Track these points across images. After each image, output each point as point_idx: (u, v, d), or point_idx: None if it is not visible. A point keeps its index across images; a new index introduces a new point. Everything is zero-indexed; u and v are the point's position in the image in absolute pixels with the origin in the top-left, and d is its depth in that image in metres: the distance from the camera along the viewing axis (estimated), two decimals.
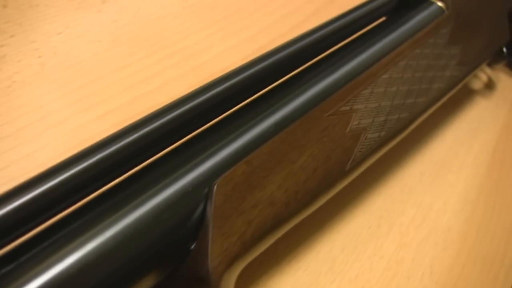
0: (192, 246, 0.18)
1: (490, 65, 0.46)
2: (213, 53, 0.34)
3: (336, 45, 0.31)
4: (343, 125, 0.27)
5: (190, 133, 0.22)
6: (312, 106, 0.26)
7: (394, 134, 0.30)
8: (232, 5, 0.38)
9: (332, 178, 0.25)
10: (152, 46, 0.32)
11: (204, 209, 0.18)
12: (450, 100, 0.36)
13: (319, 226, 0.30)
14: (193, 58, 0.33)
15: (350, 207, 0.31)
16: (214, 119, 0.24)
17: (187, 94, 0.22)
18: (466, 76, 0.38)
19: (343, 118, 0.27)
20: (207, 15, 0.37)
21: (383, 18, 0.36)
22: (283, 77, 0.28)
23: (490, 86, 0.49)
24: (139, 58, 0.31)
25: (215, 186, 0.20)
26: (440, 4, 0.38)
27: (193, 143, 0.22)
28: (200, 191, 0.19)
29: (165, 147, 0.20)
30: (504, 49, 0.48)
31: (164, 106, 0.21)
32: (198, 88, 0.22)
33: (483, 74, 0.48)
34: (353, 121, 0.27)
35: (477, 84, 0.48)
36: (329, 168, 0.25)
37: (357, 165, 0.27)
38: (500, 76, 0.50)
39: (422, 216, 0.33)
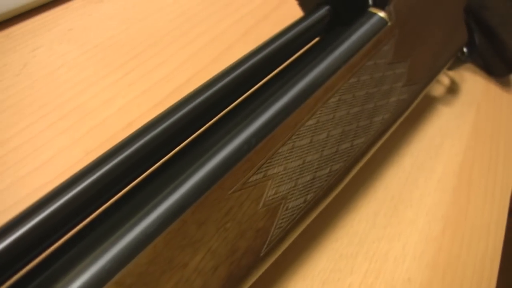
0: None
1: (451, 68, 0.41)
2: (118, 105, 0.29)
3: (251, 89, 0.26)
4: (254, 200, 0.21)
5: None
6: (209, 185, 0.20)
7: (326, 192, 0.24)
8: (143, 40, 0.33)
9: (242, 272, 0.20)
10: (39, 109, 0.27)
11: None
12: (406, 115, 0.31)
13: None
14: (91, 116, 0.27)
15: (287, 275, 0.26)
16: None
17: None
18: (418, 95, 0.33)
19: (254, 191, 0.22)
20: (112, 57, 0.31)
21: (316, 39, 0.31)
22: (186, 138, 0.23)
23: (453, 89, 0.44)
24: (21, 128, 0.26)
25: None
26: (381, 14, 0.33)
27: None
28: None
29: None
30: (465, 49, 0.42)
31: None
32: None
33: (445, 77, 0.43)
34: (268, 192, 0.22)
35: (438, 90, 0.43)
36: (236, 262, 0.20)
37: (276, 246, 0.22)
38: (464, 75, 0.45)
39: (376, 271, 0.28)
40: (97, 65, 0.30)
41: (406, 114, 0.31)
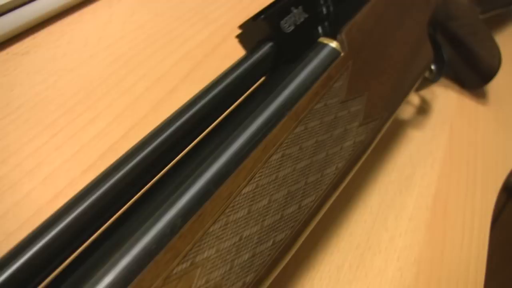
0: None
1: (419, 89, 0.38)
2: (43, 174, 0.25)
3: (185, 150, 0.24)
4: None
5: None
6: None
7: (270, 268, 0.21)
8: (74, 94, 0.30)
9: None
10: None
11: None
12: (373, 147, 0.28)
13: None
14: (11, 192, 0.24)
15: None
16: None
17: None
18: (378, 132, 0.30)
19: (180, 285, 0.19)
20: (38, 117, 0.28)
21: (262, 79, 0.28)
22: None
23: (424, 109, 0.41)
24: None
25: None
26: (333, 44, 0.30)
27: None
28: None
29: None
30: (433, 67, 0.39)
31: None
32: None
33: (414, 96, 0.40)
34: (198, 282, 0.19)
35: (407, 112, 0.40)
36: None
37: None
38: (435, 91, 0.42)
39: None
40: (19, 129, 0.27)
41: (364, 157, 0.28)
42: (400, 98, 0.33)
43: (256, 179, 0.23)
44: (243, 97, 0.28)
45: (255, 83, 0.29)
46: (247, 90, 0.29)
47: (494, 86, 0.47)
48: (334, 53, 0.30)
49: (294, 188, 0.24)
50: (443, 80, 0.46)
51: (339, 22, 0.33)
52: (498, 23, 0.59)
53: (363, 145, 0.29)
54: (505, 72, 0.49)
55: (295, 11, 0.31)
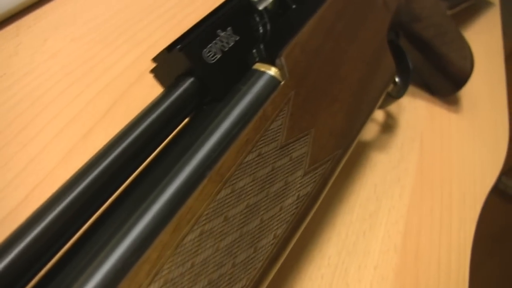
0: None
1: (382, 106, 0.33)
2: None
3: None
4: None
5: None
6: None
7: None
8: None
9: None
10: None
11: None
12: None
13: None
14: None
15: None
16: None
17: None
18: (330, 177, 0.24)
19: None
20: None
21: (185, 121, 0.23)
22: None
23: (390, 126, 0.36)
24: None
25: None
26: (271, 71, 0.24)
27: None
28: None
29: None
30: (397, 79, 0.34)
31: None
32: None
33: (377, 112, 0.35)
34: None
35: (370, 132, 0.35)
36: None
37: None
38: (402, 102, 0.37)
39: None
40: None
41: (312, 212, 0.23)
42: (357, 128, 0.28)
43: (164, 273, 0.17)
44: (154, 153, 0.22)
45: (174, 129, 0.24)
46: (164, 140, 0.23)
47: (466, 90, 0.42)
48: (272, 83, 0.25)
49: (216, 274, 0.19)
50: (410, 88, 0.41)
51: (278, 42, 0.27)
52: (466, 17, 0.54)
53: (309, 198, 0.24)
54: (478, 72, 0.44)
55: (222, 34, 0.25)
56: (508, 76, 0.54)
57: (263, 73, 0.25)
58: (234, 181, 0.21)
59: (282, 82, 0.25)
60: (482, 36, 0.55)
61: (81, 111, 0.29)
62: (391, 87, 0.37)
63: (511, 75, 0.73)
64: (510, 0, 0.82)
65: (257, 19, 0.28)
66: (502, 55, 0.54)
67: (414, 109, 0.40)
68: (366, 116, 0.29)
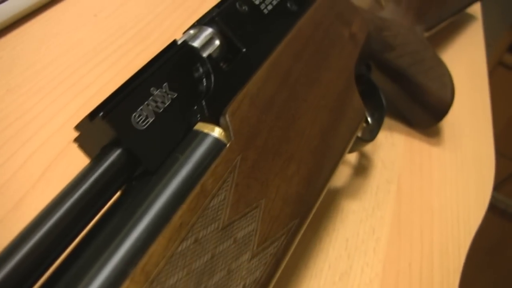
0: None
1: (353, 150, 0.29)
2: None
3: None
4: None
5: None
6: None
7: None
8: None
9: None
10: None
11: None
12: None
13: None
14: None
15: None
16: None
17: None
18: (285, 253, 0.21)
19: None
20: None
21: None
22: None
23: (362, 167, 0.32)
24: None
25: None
26: (214, 133, 0.21)
27: None
28: None
29: None
30: (369, 119, 0.31)
31: None
32: None
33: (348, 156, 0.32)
34: None
35: (340, 176, 0.31)
36: None
37: None
38: (378, 140, 0.33)
39: None
40: None
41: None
42: (318, 189, 0.25)
43: None
44: (72, 245, 0.19)
45: (98, 211, 0.20)
46: (87, 225, 0.20)
47: (448, 116, 0.39)
48: (215, 147, 0.22)
49: None
50: (387, 121, 0.38)
51: (223, 97, 0.24)
52: (446, 34, 0.51)
53: (259, 285, 0.20)
54: (460, 95, 0.41)
55: (156, 92, 0.22)
56: (492, 90, 0.51)
57: (205, 135, 0.22)
58: (163, 279, 0.18)
59: (227, 146, 0.22)
60: (464, 55, 0.52)
61: (12, 176, 0.26)
62: (362, 127, 0.33)
63: (496, 90, 0.71)
64: (492, 10, 0.79)
65: (200, 69, 0.24)
66: (486, 74, 0.51)
67: (391, 146, 0.37)
68: (329, 173, 0.26)
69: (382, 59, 0.36)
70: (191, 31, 0.26)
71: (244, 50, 0.26)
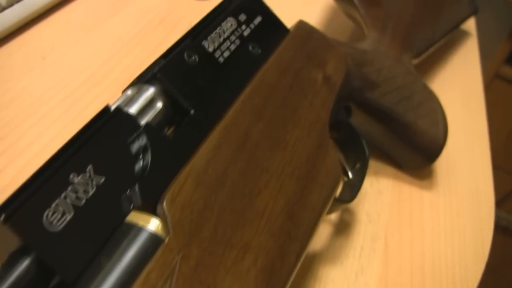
0: None
1: (331, 211, 0.25)
2: None
3: None
4: None
5: None
6: None
7: None
8: None
9: None
10: None
11: None
12: None
13: None
14: None
15: None
16: None
17: None
18: None
19: None
20: None
21: None
22: None
23: (345, 224, 0.28)
24: None
25: None
26: (150, 225, 0.17)
27: None
28: None
29: None
30: (349, 173, 0.27)
31: None
32: None
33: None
34: None
35: (321, 237, 0.27)
36: None
37: None
38: (363, 188, 0.29)
39: None
40: None
41: None
42: (282, 280, 0.20)
43: None
44: None
45: None
46: None
47: (441, 154, 0.34)
48: (150, 244, 0.17)
49: None
50: (373, 164, 0.34)
51: (162, 178, 0.20)
52: (435, 60, 0.47)
53: None
54: (454, 128, 0.37)
55: (78, 179, 0.18)
56: (489, 103, 0.47)
57: (138, 230, 0.18)
58: None
59: (165, 241, 0.18)
60: (458, 78, 0.48)
61: None
62: (342, 180, 0.29)
63: (494, 103, 0.67)
64: (487, 22, 0.75)
65: (136, 142, 0.20)
66: (483, 98, 0.47)
67: (378, 194, 0.33)
68: (296, 257, 0.22)
69: (364, 99, 0.32)
70: (129, 92, 0.22)
71: (192, 111, 0.22)
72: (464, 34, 0.55)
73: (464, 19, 0.50)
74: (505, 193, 1.05)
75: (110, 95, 0.19)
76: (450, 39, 0.51)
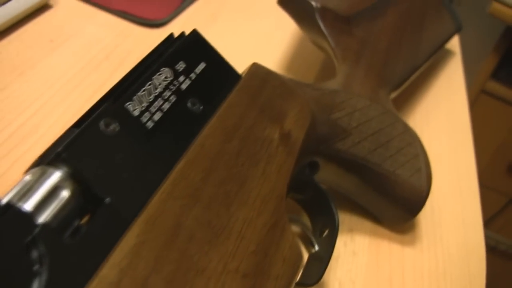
0: None
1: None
2: None
3: None
4: None
5: None
6: None
7: None
8: None
9: None
10: None
11: None
12: None
13: None
14: None
15: None
16: None
17: None
18: None
19: None
20: None
21: None
22: None
23: None
24: None
25: None
26: None
27: None
28: None
29: None
30: (316, 244, 0.22)
31: None
32: None
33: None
34: None
35: None
36: None
37: None
38: (335, 251, 0.24)
39: None
40: None
41: None
42: None
43: None
44: None
45: None
46: None
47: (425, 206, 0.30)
48: None
49: None
50: (347, 218, 0.30)
51: None
52: (417, 84, 0.43)
53: None
54: (438, 166, 0.33)
55: None
56: (475, 120, 0.44)
57: None
58: None
59: None
60: (443, 106, 0.44)
61: None
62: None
63: (480, 119, 0.63)
64: (471, 38, 0.72)
65: (32, 251, 0.15)
66: (469, 128, 0.43)
67: (352, 256, 0.29)
68: None
69: (333, 151, 0.27)
70: (27, 177, 0.17)
71: (107, 200, 0.17)
72: (447, 54, 0.51)
73: (448, 39, 0.46)
74: (493, 213, 1.01)
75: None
76: (433, 61, 0.47)
